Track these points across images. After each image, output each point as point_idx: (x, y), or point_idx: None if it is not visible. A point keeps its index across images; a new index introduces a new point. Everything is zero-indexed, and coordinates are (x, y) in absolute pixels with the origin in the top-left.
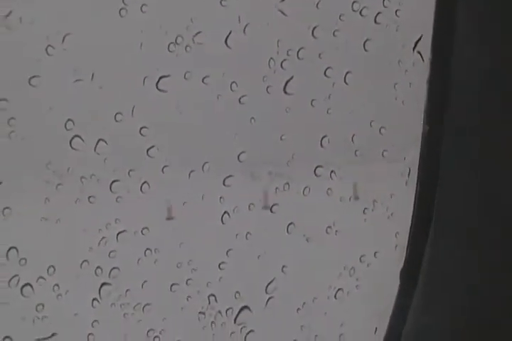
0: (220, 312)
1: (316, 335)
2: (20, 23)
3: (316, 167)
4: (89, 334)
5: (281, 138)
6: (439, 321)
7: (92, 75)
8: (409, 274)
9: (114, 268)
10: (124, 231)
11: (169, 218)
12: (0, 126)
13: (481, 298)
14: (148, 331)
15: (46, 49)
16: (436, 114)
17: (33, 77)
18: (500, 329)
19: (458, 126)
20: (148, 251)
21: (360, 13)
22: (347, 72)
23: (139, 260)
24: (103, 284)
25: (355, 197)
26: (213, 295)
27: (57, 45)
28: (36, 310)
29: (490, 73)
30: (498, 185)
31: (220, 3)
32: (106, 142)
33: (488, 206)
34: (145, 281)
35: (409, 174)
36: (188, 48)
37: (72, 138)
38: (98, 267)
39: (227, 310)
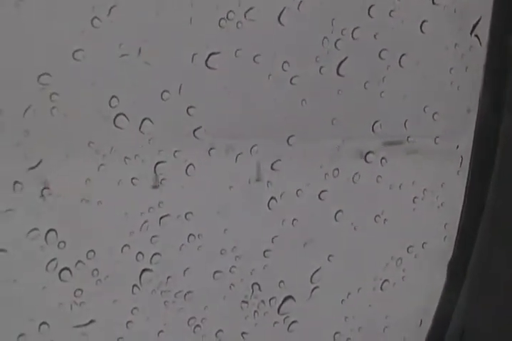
0: (263, 301)
1: (359, 327)
2: None
3: (367, 153)
4: (128, 321)
5: (332, 122)
6: (486, 319)
7: (139, 50)
8: (458, 267)
9: (155, 253)
10: (167, 215)
11: (214, 203)
12: (42, 102)
13: None
14: (189, 320)
15: (92, 21)
16: (494, 100)
17: (77, 50)
18: None
19: None
20: (191, 237)
21: None
22: (402, 55)
23: (181, 246)
24: (144, 270)
25: (402, 185)
26: (257, 284)
27: (103, 17)
28: (74, 296)
29: None
30: None
31: None
32: (151, 121)
33: None
34: (187, 268)
35: (461, 163)
36: (239, 24)
37: (116, 116)
38: (139, 252)
39: (271, 299)
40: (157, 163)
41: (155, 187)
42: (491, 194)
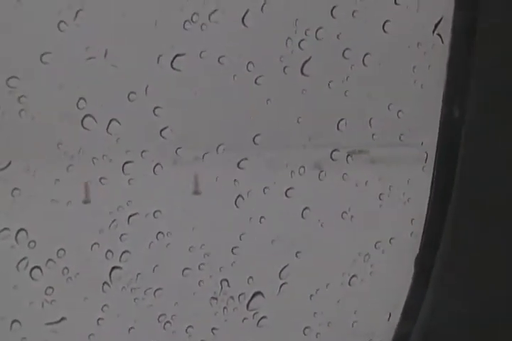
0: (232, 297)
1: (329, 322)
2: None
3: (333, 150)
4: (99, 319)
5: (297, 121)
6: (456, 311)
7: (105, 53)
8: (425, 261)
9: (125, 251)
10: (135, 214)
11: (182, 201)
12: (10, 104)
13: (499, 285)
14: (159, 316)
15: (58, 25)
16: (456, 97)
17: (45, 53)
18: None
19: (479, 108)
20: (160, 235)
21: None
22: (365, 54)
23: (150, 243)
24: (114, 268)
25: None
26: (226, 280)
27: (70, 21)
28: (45, 294)
29: None
30: None
31: None
32: (119, 122)
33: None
34: (156, 265)
35: (426, 159)
36: (204, 26)
37: (84, 117)
38: (109, 250)
39: (240, 295)
40: (125, 163)
41: (123, 186)
42: (456, 189)
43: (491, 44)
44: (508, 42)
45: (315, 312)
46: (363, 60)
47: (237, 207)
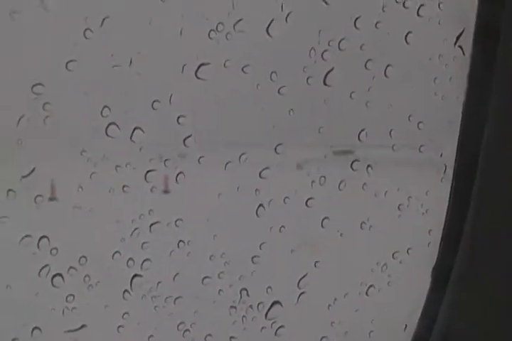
0: (251, 306)
1: (346, 332)
2: (58, 4)
3: (353, 161)
4: (119, 326)
5: (319, 131)
6: (471, 323)
7: (130, 61)
8: (442, 272)
9: (146, 259)
10: (157, 222)
11: (203, 210)
12: (35, 111)
13: None
14: (178, 324)
15: (84, 32)
16: (477, 110)
17: (70, 61)
18: None
19: (499, 120)
20: (181, 243)
21: (404, 4)
22: (387, 65)
23: (171, 252)
24: (135, 276)
25: (387, 192)
26: (245, 289)
27: (96, 28)
28: (66, 301)
29: None
30: None
31: None
32: (142, 130)
33: None
34: (177, 274)
35: (445, 170)
36: (228, 36)
37: (108, 125)
38: (130, 258)
39: (259, 304)
40: (148, 172)
41: (146, 194)
42: (474, 201)
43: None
44: None
45: (332, 322)
46: (385, 71)
47: (258, 216)
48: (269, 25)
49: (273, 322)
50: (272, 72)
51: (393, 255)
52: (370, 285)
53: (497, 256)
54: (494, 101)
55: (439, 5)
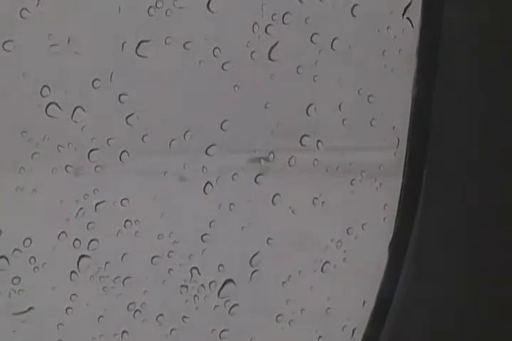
0: (203, 285)
1: (302, 309)
2: None
3: (302, 136)
4: (68, 308)
5: (265, 106)
6: (429, 293)
7: (68, 40)
8: (398, 247)
9: (92, 240)
10: (102, 201)
11: (150, 188)
12: None
13: (472, 267)
14: (128, 305)
15: (20, 12)
16: (427, 80)
17: (7, 41)
18: (496, 298)
19: (449, 90)
20: (128, 223)
21: None
22: (334, 39)
23: (118, 232)
24: (81, 256)
25: (339, 167)
26: (196, 268)
27: (32, 8)
28: (12, 283)
29: (484, 28)
30: (496, 144)
31: None
32: (83, 109)
33: (480, 172)
34: (125, 254)
35: (398, 144)
36: (168, 12)
37: (48, 105)
38: (76, 239)
39: (211, 283)
40: (91, 151)
41: (90, 174)
42: (427, 173)
43: (458, 29)
44: (475, 28)
45: (288, 300)
46: (332, 45)
47: (206, 193)
48: (209, 0)
49: (226, 301)
50: (215, 48)
51: (347, 231)
52: (326, 262)
53: (451, 226)
54: (443, 74)
55: None
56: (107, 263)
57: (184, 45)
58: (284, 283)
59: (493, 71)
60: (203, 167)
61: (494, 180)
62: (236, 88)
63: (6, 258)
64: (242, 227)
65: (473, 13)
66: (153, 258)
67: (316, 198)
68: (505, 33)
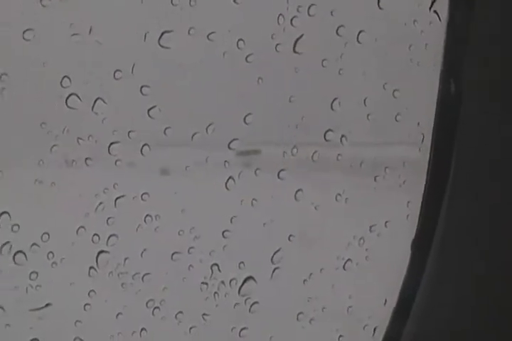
0: (223, 282)
1: (323, 307)
2: None
3: (327, 131)
4: (86, 304)
5: (290, 100)
6: (453, 292)
7: (90, 29)
8: (422, 244)
9: (112, 235)
10: (122, 196)
11: (171, 183)
12: None
13: (495, 265)
14: (147, 302)
15: (41, 0)
16: (453, 75)
17: (27, 30)
18: None
19: (478, 85)
20: (148, 218)
21: None
22: (360, 31)
23: (138, 227)
24: (100, 252)
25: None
26: (216, 265)
27: None
28: (30, 279)
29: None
30: None
31: None
32: (104, 101)
33: (504, 171)
34: (145, 250)
35: (422, 140)
36: (192, 2)
37: (69, 96)
38: (95, 234)
39: (231, 280)
40: (111, 144)
41: (110, 168)
42: (453, 170)
43: (488, 22)
44: (504, 21)
45: (309, 298)
46: (358, 38)
47: (228, 189)
48: None
49: (247, 299)
50: (239, 40)
51: (370, 228)
52: (348, 260)
53: (476, 225)
54: (471, 67)
55: None
56: (126, 259)
57: (208, 36)
58: (305, 280)
59: None
60: (225, 161)
61: None
62: (260, 81)
63: (24, 253)
64: (264, 224)
65: (507, 11)
66: (173, 254)
67: (339, 194)
68: None
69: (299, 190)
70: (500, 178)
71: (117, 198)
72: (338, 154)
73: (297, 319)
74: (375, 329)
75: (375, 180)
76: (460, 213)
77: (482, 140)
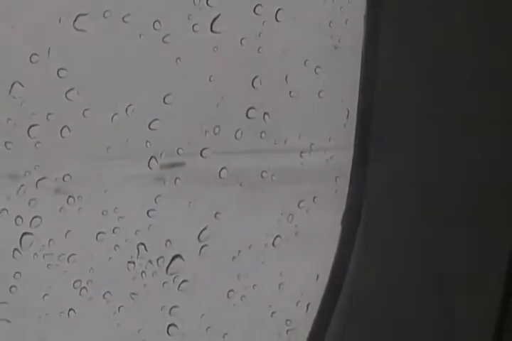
0: (150, 261)
1: (254, 285)
2: None
3: (248, 109)
4: (12, 286)
5: (209, 79)
6: (380, 263)
7: (5, 15)
8: (351, 219)
9: (35, 217)
10: (44, 178)
11: (92, 164)
12: None
13: (419, 240)
14: (74, 282)
15: None
16: (375, 51)
17: None
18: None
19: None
20: (70, 199)
21: None
22: (278, 9)
23: (61, 208)
24: (24, 234)
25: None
26: (143, 244)
27: None
28: None
29: None
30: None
31: None
32: (22, 85)
33: (428, 142)
34: (69, 231)
35: (347, 115)
36: None
37: None
38: (18, 216)
39: (158, 259)
40: (30, 126)
41: (30, 150)
42: (373, 145)
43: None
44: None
45: (238, 275)
46: (276, 16)
47: (150, 168)
48: None
49: (175, 277)
50: (155, 21)
51: (299, 204)
52: (277, 236)
53: (403, 196)
54: (388, 42)
55: None
56: (50, 240)
57: (123, 19)
58: (234, 258)
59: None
60: (147, 141)
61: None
62: (178, 61)
63: None
64: (190, 202)
65: None
66: (97, 234)
67: (264, 171)
68: None
69: (223, 168)
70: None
71: (39, 180)
72: (262, 131)
73: (228, 296)
74: (308, 306)
75: (300, 156)
76: (383, 185)
77: (400, 114)
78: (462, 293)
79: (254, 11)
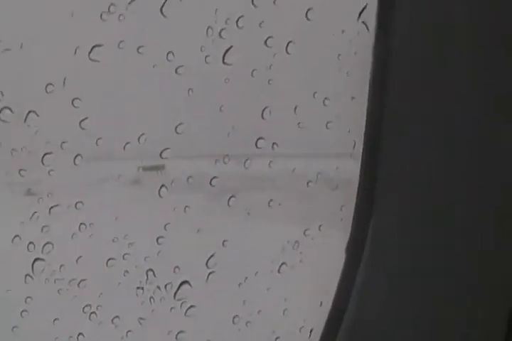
0: (158, 287)
1: (259, 311)
2: None
3: (258, 139)
4: (23, 311)
5: (220, 110)
6: (384, 293)
7: (21, 45)
8: (356, 248)
9: (47, 243)
10: (56, 205)
11: (103, 192)
12: None
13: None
14: (84, 307)
15: None
16: (382, 85)
17: None
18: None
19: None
20: (82, 226)
21: None
22: (289, 42)
23: (73, 235)
24: (36, 259)
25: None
26: (151, 270)
27: None
28: None
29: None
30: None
31: None
32: (37, 114)
33: (431, 179)
34: (80, 256)
35: (354, 146)
36: (121, 17)
37: (1, 109)
38: (31, 242)
39: (167, 285)
40: (44, 155)
41: (43, 178)
42: (381, 173)
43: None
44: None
45: (244, 301)
46: (286, 48)
47: (161, 196)
48: (163, 5)
49: (182, 302)
50: (169, 53)
51: (304, 232)
52: (282, 263)
53: (407, 229)
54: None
55: None
56: (61, 266)
57: (138, 50)
58: (240, 284)
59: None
60: (159, 172)
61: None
62: (190, 92)
63: None
64: (198, 230)
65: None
66: (108, 260)
67: (271, 200)
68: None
69: (231, 197)
70: (425, 185)
71: (52, 207)
72: (270, 161)
73: (233, 322)
74: (311, 331)
75: (307, 185)
76: (390, 217)
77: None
78: (463, 320)
79: (265, 43)
